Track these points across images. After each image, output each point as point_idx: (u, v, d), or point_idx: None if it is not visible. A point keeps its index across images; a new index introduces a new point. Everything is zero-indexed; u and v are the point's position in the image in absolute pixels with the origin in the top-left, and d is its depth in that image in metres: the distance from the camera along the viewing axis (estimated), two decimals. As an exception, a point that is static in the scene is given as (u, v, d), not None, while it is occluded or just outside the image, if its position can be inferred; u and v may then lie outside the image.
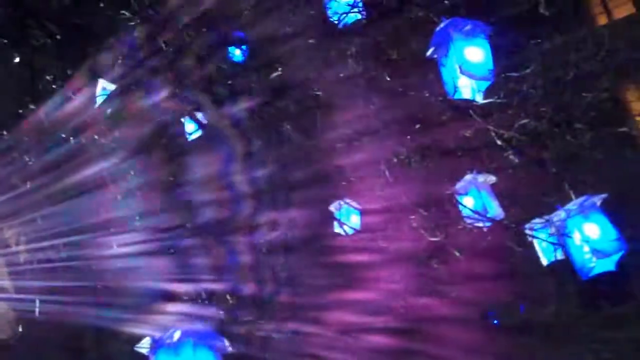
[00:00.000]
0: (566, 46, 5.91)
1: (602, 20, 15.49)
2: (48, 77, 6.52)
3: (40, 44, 6.70)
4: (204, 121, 7.59)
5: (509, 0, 5.77)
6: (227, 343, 4.92)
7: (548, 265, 5.89)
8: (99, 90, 7.94)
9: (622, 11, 15.31)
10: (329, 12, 6.75)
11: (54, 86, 6.46)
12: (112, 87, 7.75)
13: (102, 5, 6.60)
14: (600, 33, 6.67)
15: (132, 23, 6.43)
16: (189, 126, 7.61)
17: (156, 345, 4.79)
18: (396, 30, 6.08)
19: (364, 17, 6.44)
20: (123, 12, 6.38)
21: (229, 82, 7.58)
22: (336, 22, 6.62)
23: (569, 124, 5.77)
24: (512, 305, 11.00)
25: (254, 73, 7.33)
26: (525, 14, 5.81)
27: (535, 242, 5.93)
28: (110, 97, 7.24)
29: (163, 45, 6.27)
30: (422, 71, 5.74)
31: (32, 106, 6.34)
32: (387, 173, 5.85)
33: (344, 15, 6.52)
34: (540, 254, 6.00)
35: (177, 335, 4.74)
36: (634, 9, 15.18)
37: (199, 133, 7.27)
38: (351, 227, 7.04)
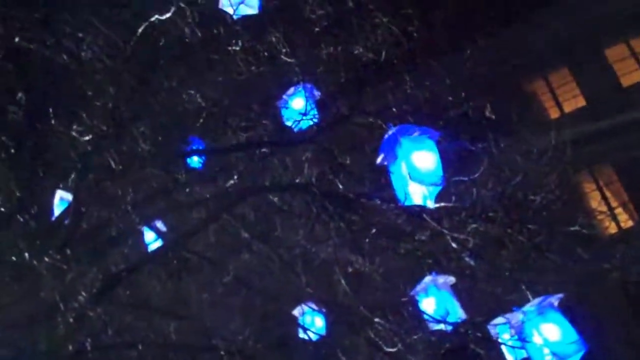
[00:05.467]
0: (514, 148, 6.04)
1: (554, 113, 15.90)
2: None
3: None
4: (163, 229, 7.56)
5: (456, 105, 5.88)
6: None
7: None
8: (56, 201, 7.89)
9: (572, 104, 15.73)
10: (283, 119, 6.86)
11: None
12: (69, 197, 7.70)
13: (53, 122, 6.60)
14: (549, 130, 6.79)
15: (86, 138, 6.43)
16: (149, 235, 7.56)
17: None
18: (348, 136, 6.16)
19: (316, 124, 6.53)
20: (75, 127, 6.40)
21: (187, 189, 7.60)
22: (291, 128, 6.72)
23: (521, 226, 5.83)
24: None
25: (211, 181, 7.36)
26: (473, 118, 5.93)
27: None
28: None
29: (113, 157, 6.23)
30: (374, 177, 5.80)
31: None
32: (342, 282, 5.82)
33: (297, 122, 6.62)
34: (506, 354, 5.96)
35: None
36: (584, 102, 15.63)
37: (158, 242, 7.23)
38: (315, 333, 6.96)
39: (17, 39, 6.86)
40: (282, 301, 7.01)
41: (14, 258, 6.13)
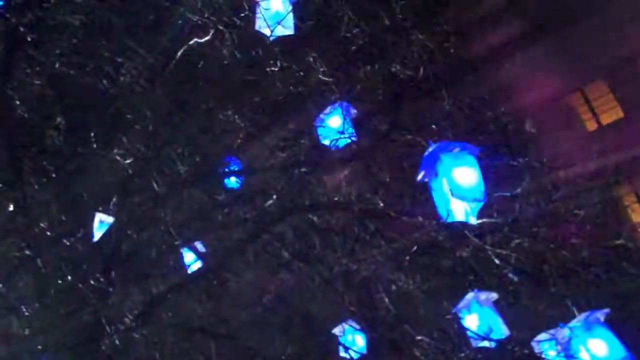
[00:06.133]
0: (555, 161, 5.99)
1: (591, 126, 15.76)
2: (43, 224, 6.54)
3: (36, 188, 6.76)
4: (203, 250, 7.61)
5: (495, 120, 5.86)
6: None
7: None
8: (96, 224, 7.99)
9: (610, 116, 15.57)
10: (320, 138, 6.87)
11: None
12: (109, 219, 7.80)
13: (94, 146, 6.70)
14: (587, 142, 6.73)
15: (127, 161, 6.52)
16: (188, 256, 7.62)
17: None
18: (386, 154, 6.16)
19: (354, 142, 6.54)
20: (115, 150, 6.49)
21: (225, 210, 7.65)
22: (328, 147, 6.74)
23: (565, 240, 5.76)
24: None
25: (249, 201, 7.40)
26: (512, 132, 5.91)
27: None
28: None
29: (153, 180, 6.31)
30: (414, 194, 5.78)
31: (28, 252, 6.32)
32: (386, 300, 5.80)
33: (335, 141, 6.64)
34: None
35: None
36: (621, 114, 15.47)
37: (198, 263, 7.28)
38: (356, 351, 6.92)
39: (57, 65, 6.98)
40: (323, 320, 6.99)
41: (59, 281, 6.22)
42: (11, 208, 6.47)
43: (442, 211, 5.21)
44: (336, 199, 6.59)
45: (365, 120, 6.52)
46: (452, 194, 5.10)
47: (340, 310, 6.68)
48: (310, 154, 6.93)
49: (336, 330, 7.13)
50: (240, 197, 7.59)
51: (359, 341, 7.15)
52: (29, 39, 6.39)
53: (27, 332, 6.13)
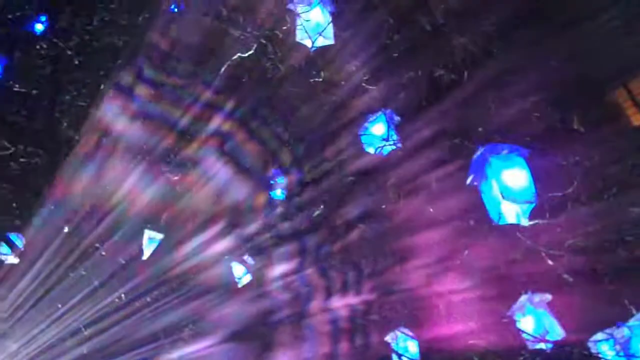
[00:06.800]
0: (606, 159, 5.89)
1: (637, 120, 15.48)
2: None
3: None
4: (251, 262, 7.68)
5: (542, 120, 5.81)
6: None
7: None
8: (145, 240, 8.11)
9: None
10: (364, 146, 6.88)
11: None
12: (159, 236, 7.92)
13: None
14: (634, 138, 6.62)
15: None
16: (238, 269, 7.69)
17: None
18: (432, 159, 6.15)
19: (399, 148, 6.55)
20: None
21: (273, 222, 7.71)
22: (373, 155, 6.75)
23: (620, 238, 5.68)
24: None
25: (297, 211, 7.44)
26: (560, 131, 5.85)
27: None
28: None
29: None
30: (462, 198, 5.76)
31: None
32: (441, 306, 5.78)
33: (379, 148, 6.65)
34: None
35: None
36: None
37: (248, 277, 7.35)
38: (409, 358, 6.90)
39: (101, 86, 7.13)
40: (376, 327, 6.98)
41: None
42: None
43: (493, 214, 5.20)
44: (383, 206, 6.60)
45: (409, 126, 6.51)
46: (503, 197, 5.09)
47: (393, 317, 6.68)
48: (354, 162, 6.94)
49: (388, 338, 7.13)
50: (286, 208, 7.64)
51: (412, 348, 7.14)
52: (76, 62, 6.52)
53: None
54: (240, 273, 7.74)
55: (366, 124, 6.75)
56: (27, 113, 7.49)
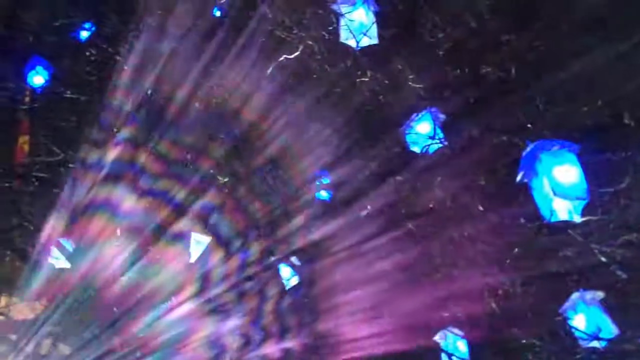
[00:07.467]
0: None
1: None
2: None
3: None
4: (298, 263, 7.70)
5: (592, 116, 5.75)
6: None
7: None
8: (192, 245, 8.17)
9: None
10: (409, 145, 6.86)
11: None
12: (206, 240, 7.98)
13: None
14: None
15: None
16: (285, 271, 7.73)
17: None
18: (480, 156, 6.11)
19: (446, 146, 6.52)
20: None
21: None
22: (419, 154, 6.72)
23: (675, 234, 5.59)
24: None
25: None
26: (611, 128, 5.78)
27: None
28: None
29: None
30: (512, 196, 5.72)
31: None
32: (493, 305, 5.74)
33: (426, 147, 6.62)
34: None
35: None
36: None
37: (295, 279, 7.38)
38: (459, 358, 6.85)
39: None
40: (424, 326, 6.94)
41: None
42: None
43: (544, 211, 5.16)
44: (431, 205, 6.56)
45: (456, 124, 6.47)
46: (554, 193, 5.05)
47: (442, 316, 6.63)
48: (401, 161, 6.92)
49: (437, 337, 7.09)
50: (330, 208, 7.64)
51: (461, 347, 7.09)
52: (125, 68, 6.63)
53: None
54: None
55: (410, 123, 6.73)
56: (77, 119, 7.64)
